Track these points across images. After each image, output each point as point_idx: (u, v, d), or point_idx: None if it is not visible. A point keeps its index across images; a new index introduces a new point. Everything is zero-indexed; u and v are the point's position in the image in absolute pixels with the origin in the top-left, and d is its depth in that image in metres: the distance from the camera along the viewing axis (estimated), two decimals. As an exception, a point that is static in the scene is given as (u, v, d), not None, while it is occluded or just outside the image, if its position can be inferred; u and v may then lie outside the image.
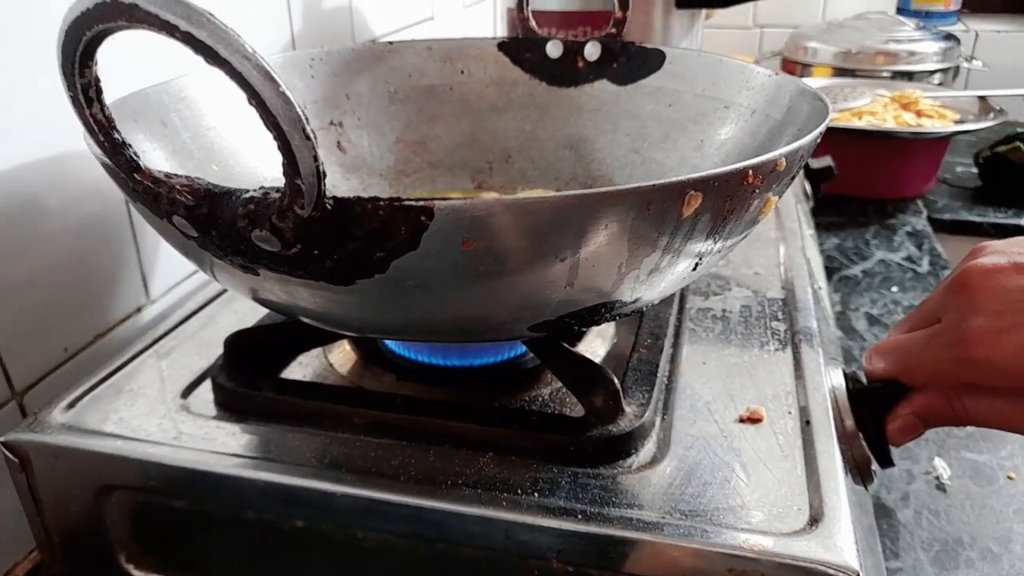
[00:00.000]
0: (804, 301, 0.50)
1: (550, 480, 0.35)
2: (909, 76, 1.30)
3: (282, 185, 0.26)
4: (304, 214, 0.25)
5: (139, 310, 0.58)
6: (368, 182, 0.57)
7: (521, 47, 0.60)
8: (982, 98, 1.13)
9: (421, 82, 0.60)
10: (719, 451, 0.37)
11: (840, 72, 1.32)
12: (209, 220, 0.27)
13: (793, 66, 1.40)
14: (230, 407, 0.41)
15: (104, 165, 0.32)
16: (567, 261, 0.29)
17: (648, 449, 0.37)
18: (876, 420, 0.44)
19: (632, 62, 0.57)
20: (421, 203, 0.26)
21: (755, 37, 1.62)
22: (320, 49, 0.57)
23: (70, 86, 0.25)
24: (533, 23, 0.61)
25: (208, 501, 0.37)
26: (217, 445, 0.38)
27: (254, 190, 0.26)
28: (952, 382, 0.37)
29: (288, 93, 0.23)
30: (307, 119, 0.23)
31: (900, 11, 1.60)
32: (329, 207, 0.26)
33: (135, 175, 0.27)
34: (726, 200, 0.31)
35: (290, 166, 0.24)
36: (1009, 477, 0.57)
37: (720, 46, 1.54)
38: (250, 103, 0.23)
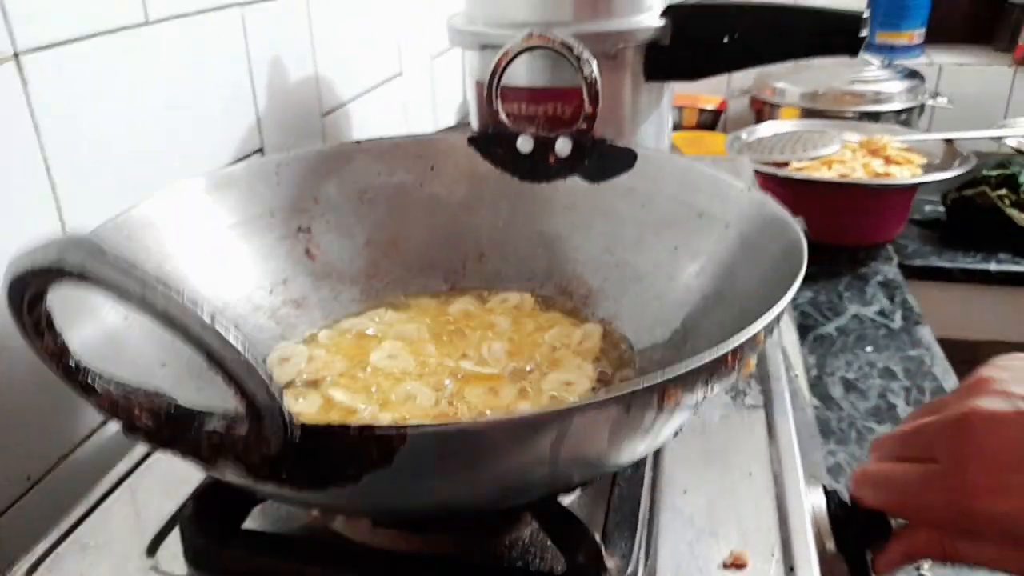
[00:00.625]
0: (782, 408, 0.50)
1: (534, 653, 0.34)
2: (876, 116, 1.31)
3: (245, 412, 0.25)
4: (270, 453, 0.24)
5: (104, 423, 0.56)
6: (339, 289, 0.56)
7: (491, 141, 0.59)
8: (948, 141, 1.14)
9: (390, 180, 0.59)
10: (705, 607, 0.36)
11: (807, 113, 1.33)
12: (170, 443, 0.26)
13: (761, 105, 1.41)
14: (199, 564, 0.39)
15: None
16: (546, 463, 0.28)
17: (633, 604, 0.36)
18: (858, 544, 0.43)
19: (604, 160, 0.56)
20: (393, 431, 0.25)
21: (723, 76, 1.63)
22: (286, 153, 0.56)
23: (18, 321, 0.24)
24: (503, 115, 0.60)
25: None
26: (188, 617, 0.36)
27: (219, 419, 0.25)
28: (947, 527, 0.37)
29: (250, 358, 0.22)
30: (271, 378, 0.22)
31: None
32: (297, 439, 0.24)
33: (92, 398, 0.26)
34: (706, 381, 0.30)
35: (254, 418, 0.23)
36: (990, 566, 0.57)
37: (689, 85, 1.55)
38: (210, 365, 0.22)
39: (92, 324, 0.39)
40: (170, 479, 0.46)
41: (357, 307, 0.55)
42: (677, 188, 0.52)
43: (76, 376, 0.26)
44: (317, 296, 0.55)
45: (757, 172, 1.04)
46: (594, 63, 0.55)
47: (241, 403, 0.23)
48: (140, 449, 0.49)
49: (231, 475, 0.27)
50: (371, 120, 0.99)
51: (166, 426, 0.26)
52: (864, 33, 0.75)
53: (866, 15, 0.74)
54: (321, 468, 0.26)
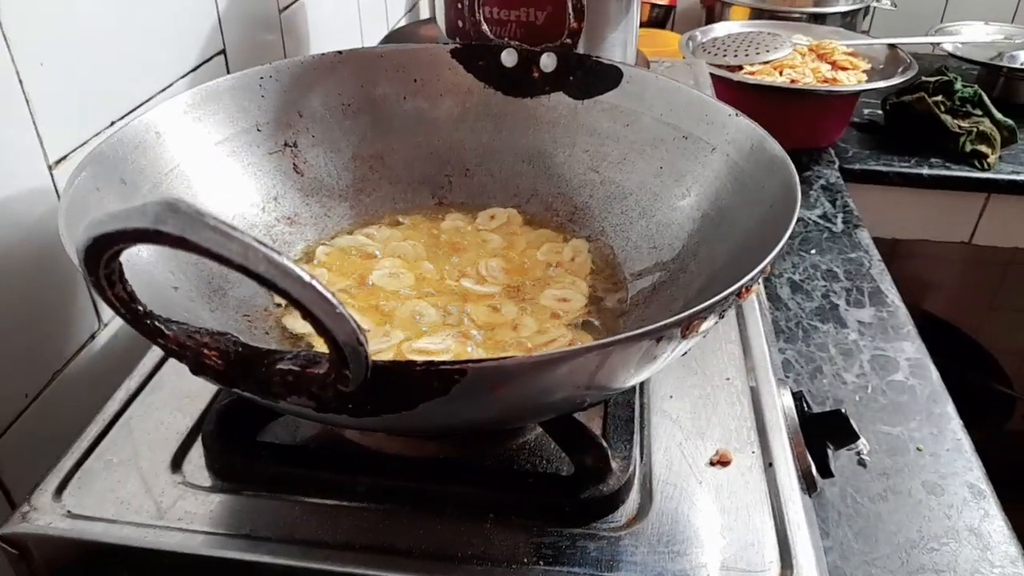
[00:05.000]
0: (754, 319, 0.54)
1: (552, 545, 0.38)
2: (822, 17, 1.33)
3: (314, 351, 0.27)
4: (347, 390, 0.26)
5: (93, 337, 0.56)
6: (329, 205, 0.56)
7: (474, 54, 0.59)
8: (892, 46, 1.18)
9: (374, 92, 0.58)
10: (697, 500, 0.41)
11: (757, 13, 1.34)
12: (239, 382, 0.27)
13: (712, 2, 1.40)
14: (227, 476, 0.42)
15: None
16: (582, 387, 0.31)
17: (633, 499, 0.41)
18: (821, 440, 0.49)
19: (588, 78, 0.57)
20: (456, 365, 0.27)
21: (676, -30, 1.60)
22: (269, 66, 0.54)
23: (92, 274, 0.25)
24: (485, 27, 0.59)
25: (224, 583, 0.39)
26: (223, 525, 0.39)
27: (290, 357, 0.27)
28: None
29: (343, 310, 0.23)
30: (359, 325, 0.24)
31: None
32: (368, 376, 0.26)
33: (160, 340, 0.27)
34: (722, 312, 0.33)
35: (340, 362, 0.25)
36: (918, 449, 0.65)
37: (641, -22, 1.52)
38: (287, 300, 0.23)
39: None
40: (178, 395, 0.47)
41: (348, 223, 0.56)
42: (662, 109, 0.54)
43: (144, 321, 0.27)
44: (309, 212, 0.55)
45: (713, 76, 1.05)
46: (580, -24, 0.55)
47: (330, 347, 0.24)
48: (144, 364, 0.50)
49: (292, 407, 0.29)
50: (326, 13, 0.95)
51: (236, 366, 0.27)
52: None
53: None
54: (383, 400, 0.28)
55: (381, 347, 0.43)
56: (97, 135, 0.53)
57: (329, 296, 0.23)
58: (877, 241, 1.13)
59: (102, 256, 0.24)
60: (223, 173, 0.51)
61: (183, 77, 0.65)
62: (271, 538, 0.38)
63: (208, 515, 0.40)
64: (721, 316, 0.34)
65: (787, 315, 0.81)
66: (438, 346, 0.43)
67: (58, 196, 0.51)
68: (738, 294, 0.32)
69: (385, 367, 0.27)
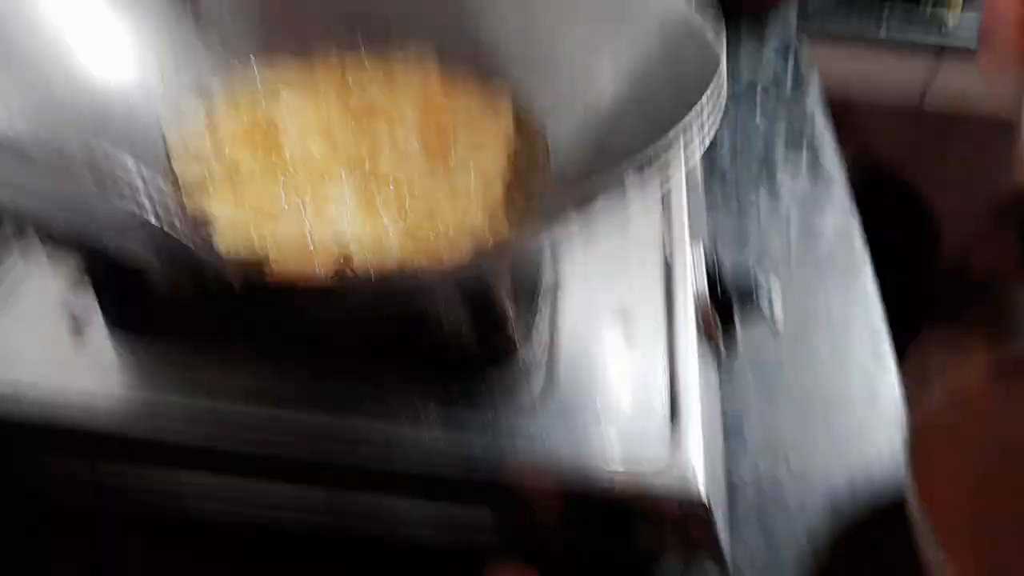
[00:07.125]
0: (677, 184, 0.53)
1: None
2: None
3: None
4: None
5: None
6: (232, 47, 0.51)
7: None
8: None
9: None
10: (600, 366, 0.42)
11: None
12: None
13: None
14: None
15: None
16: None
17: (539, 367, 0.42)
18: (728, 302, 0.50)
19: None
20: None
21: None
22: None
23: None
24: None
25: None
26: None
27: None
28: None
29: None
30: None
31: None
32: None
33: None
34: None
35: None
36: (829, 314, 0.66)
37: None
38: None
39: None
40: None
41: (254, 73, 0.52)
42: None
43: None
44: (212, 61, 0.51)
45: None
46: None
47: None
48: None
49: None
50: None
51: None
52: None
53: None
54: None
55: (293, 231, 0.42)
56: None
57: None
58: (838, 104, 1.11)
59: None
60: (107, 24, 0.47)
61: None
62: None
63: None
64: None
65: (724, 183, 0.80)
66: (351, 232, 0.42)
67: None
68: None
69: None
